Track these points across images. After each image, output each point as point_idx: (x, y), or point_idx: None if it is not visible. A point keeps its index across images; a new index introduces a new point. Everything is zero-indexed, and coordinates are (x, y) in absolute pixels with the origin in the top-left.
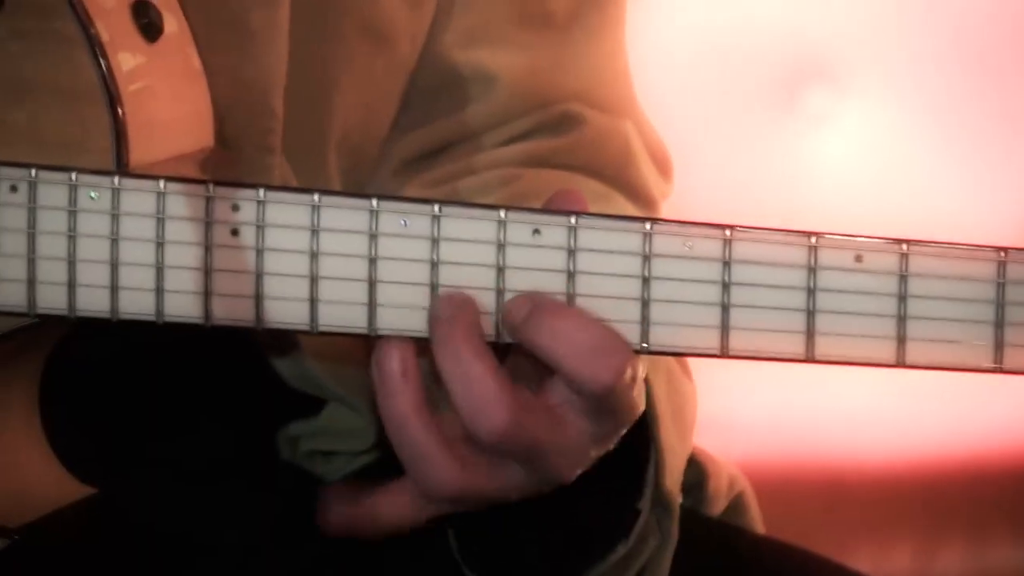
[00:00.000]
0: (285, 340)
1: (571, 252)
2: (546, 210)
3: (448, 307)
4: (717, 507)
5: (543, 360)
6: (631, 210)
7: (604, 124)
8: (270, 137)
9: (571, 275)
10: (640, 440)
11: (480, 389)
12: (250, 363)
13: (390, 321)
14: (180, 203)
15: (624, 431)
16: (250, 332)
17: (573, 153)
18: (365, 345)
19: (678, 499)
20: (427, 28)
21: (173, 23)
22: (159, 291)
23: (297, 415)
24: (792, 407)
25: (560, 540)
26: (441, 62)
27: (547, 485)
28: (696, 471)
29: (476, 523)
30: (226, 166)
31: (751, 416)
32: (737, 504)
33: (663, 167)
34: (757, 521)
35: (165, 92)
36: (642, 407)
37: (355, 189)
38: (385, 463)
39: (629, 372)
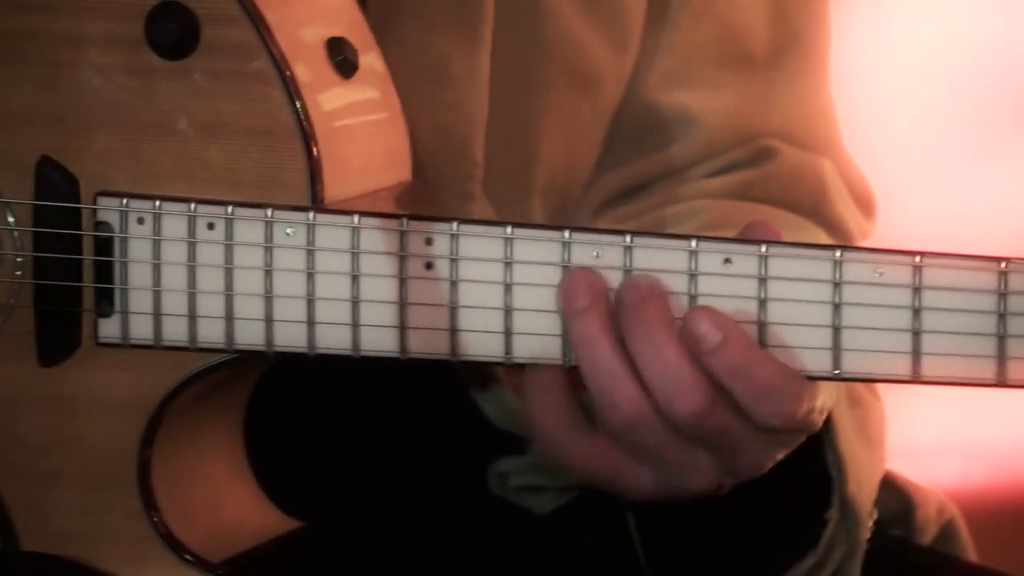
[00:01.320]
0: (484, 374)
1: (762, 280)
2: (737, 239)
3: (636, 293)
4: (927, 536)
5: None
6: (825, 240)
7: (799, 159)
8: (470, 184)
9: (762, 303)
10: (825, 451)
11: (676, 370)
12: (457, 398)
13: None
14: (375, 237)
15: (803, 437)
16: (452, 367)
17: (767, 185)
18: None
19: (868, 510)
20: (630, 70)
21: (370, 61)
22: (355, 325)
23: (506, 450)
24: (1002, 430)
25: (748, 549)
26: (644, 104)
27: (731, 477)
28: (902, 500)
29: (662, 529)
30: (422, 200)
31: (958, 442)
32: (947, 532)
33: (865, 206)
34: (969, 549)
35: (361, 129)
36: (820, 421)
37: None
38: (592, 497)
39: (805, 407)
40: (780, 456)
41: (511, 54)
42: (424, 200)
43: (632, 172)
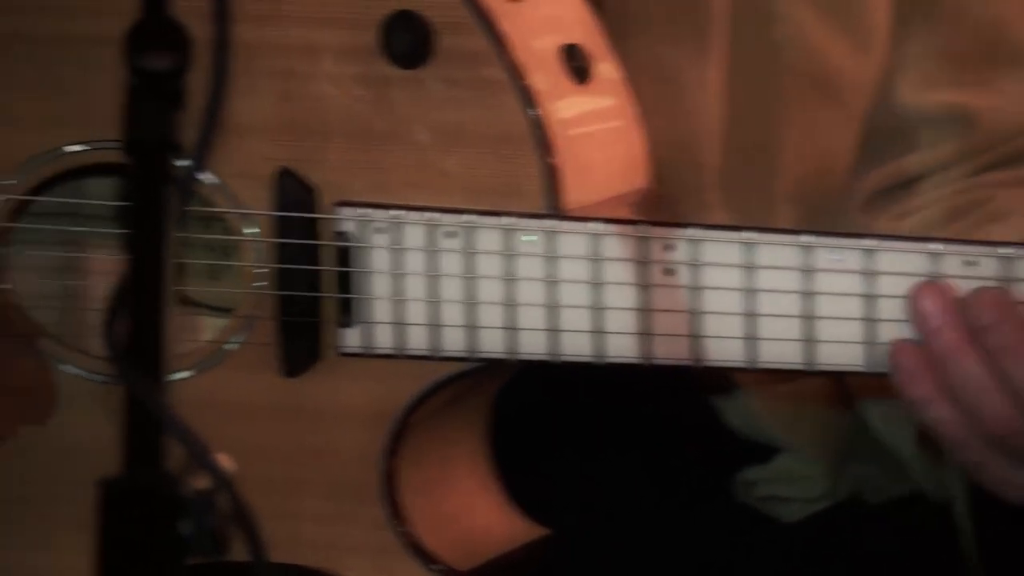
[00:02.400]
0: (726, 380)
1: (1006, 282)
2: (979, 241)
3: (993, 311)
4: None
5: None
6: None
7: None
8: (706, 193)
9: None
10: None
11: None
12: (700, 406)
13: (829, 356)
14: (614, 244)
15: None
16: (692, 375)
17: None
18: (824, 393)
19: None
20: (876, 76)
21: (605, 68)
22: (597, 332)
23: (751, 459)
24: None
25: None
26: (895, 108)
27: None
28: None
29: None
30: (659, 206)
31: None
32: None
33: None
34: None
35: (597, 136)
36: None
37: None
38: (838, 509)
39: None
40: None
41: (747, 62)
42: (661, 206)
43: (886, 175)
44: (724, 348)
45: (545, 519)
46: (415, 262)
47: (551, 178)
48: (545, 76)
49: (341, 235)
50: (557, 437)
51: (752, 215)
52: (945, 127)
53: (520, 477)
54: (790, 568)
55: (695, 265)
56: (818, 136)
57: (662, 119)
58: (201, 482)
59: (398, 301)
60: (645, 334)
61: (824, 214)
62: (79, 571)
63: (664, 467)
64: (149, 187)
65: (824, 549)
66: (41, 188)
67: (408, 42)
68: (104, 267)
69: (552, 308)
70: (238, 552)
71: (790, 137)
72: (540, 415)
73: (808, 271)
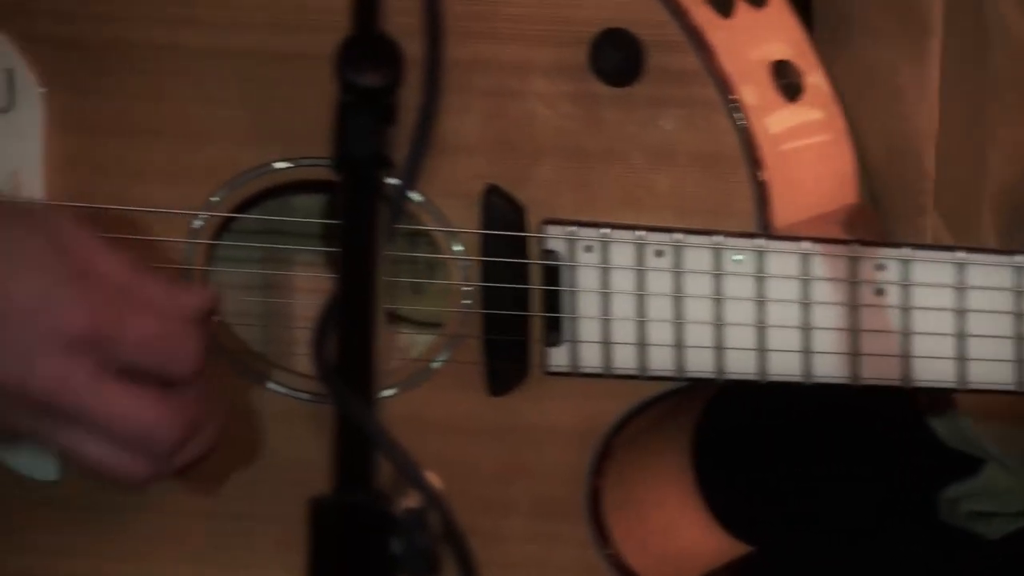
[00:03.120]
0: (940, 399)
1: None
2: None
3: None
4: None
5: None
6: None
7: None
8: (921, 197)
9: None
10: None
11: None
12: (906, 422)
13: None
14: (825, 264)
15: None
16: (906, 392)
17: None
18: None
19: None
20: None
21: (815, 82)
22: (806, 352)
23: (953, 476)
24: None
25: None
26: None
27: None
28: None
29: None
30: (869, 223)
31: None
32: None
33: None
34: None
35: (808, 152)
36: None
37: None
38: None
39: None
40: None
41: (959, 66)
42: (871, 223)
43: None
44: (934, 369)
45: (747, 535)
46: (623, 280)
47: (761, 196)
48: (755, 92)
49: (549, 253)
50: (764, 455)
51: (961, 222)
52: None
53: (722, 492)
54: None
55: (906, 285)
56: None
57: (880, 121)
58: (410, 501)
59: (606, 320)
60: (854, 354)
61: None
62: None
63: (869, 482)
64: (360, 204)
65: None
66: (245, 205)
67: (618, 60)
68: (307, 285)
69: (760, 327)
70: (448, 572)
71: (997, 141)
72: (742, 428)
73: (1022, 292)
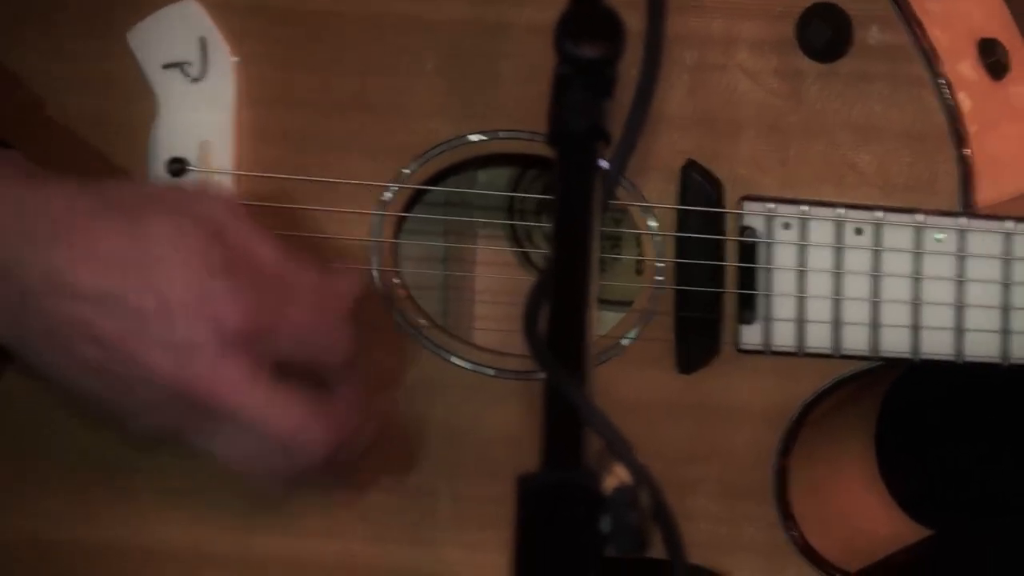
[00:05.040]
0: None
1: None
2: None
3: None
4: None
5: None
6: None
7: None
8: None
9: None
10: None
11: None
12: None
13: None
14: None
15: None
16: None
17: None
18: None
19: None
20: None
21: (1018, 59)
22: (1005, 332)
23: None
24: None
25: None
26: None
27: None
28: None
29: None
30: None
31: None
32: None
33: None
34: None
35: (1010, 130)
36: None
37: None
38: None
39: None
40: None
41: None
42: None
43: None
44: None
45: (927, 518)
46: (820, 258)
47: (965, 175)
48: (962, 69)
49: (746, 230)
50: (945, 436)
51: None
52: None
53: (902, 475)
54: None
55: None
56: None
57: None
58: (615, 477)
59: (801, 298)
60: None
61: None
62: (473, 566)
63: None
64: (576, 178)
65: None
66: (436, 178)
67: (826, 35)
68: (493, 259)
69: (959, 308)
70: (655, 550)
71: None
72: (921, 411)
73: None
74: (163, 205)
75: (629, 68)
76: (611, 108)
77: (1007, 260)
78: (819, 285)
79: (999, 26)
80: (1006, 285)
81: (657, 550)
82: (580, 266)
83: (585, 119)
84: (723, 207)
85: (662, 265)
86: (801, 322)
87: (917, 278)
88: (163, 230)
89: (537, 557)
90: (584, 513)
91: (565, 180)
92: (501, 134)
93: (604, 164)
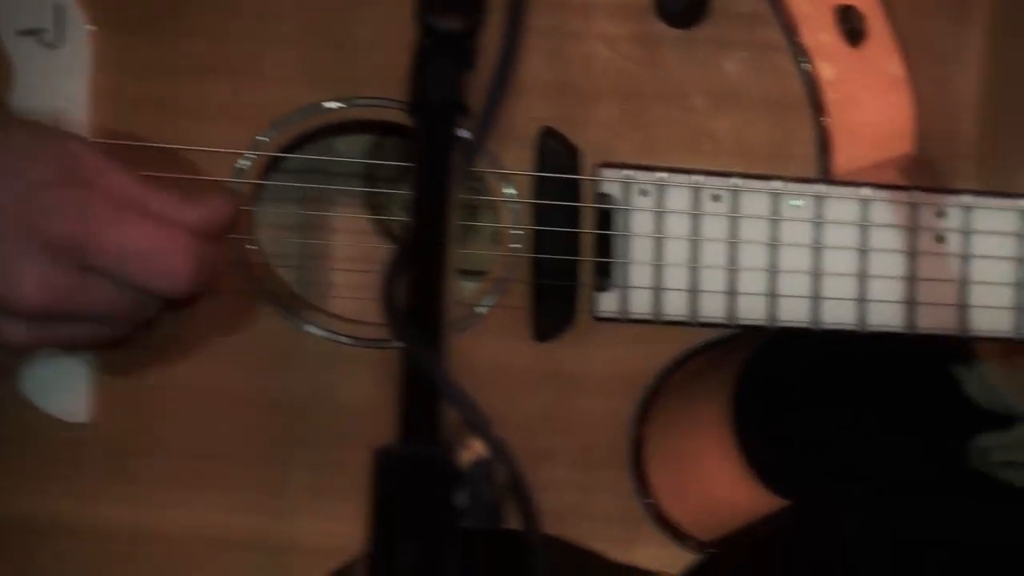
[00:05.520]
0: (966, 350)
1: None
2: None
3: None
4: None
5: None
6: None
7: None
8: (957, 161)
9: None
10: None
11: None
12: (938, 373)
13: None
14: (884, 210)
15: None
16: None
17: None
18: None
19: None
20: None
21: (878, 27)
22: (862, 300)
23: (984, 425)
24: None
25: None
26: None
27: None
28: None
29: None
30: (927, 173)
31: None
32: None
33: None
34: None
35: (867, 97)
36: None
37: None
38: None
39: None
40: None
41: (1011, 32)
42: (928, 173)
43: None
44: (992, 318)
45: (783, 488)
46: (678, 226)
47: (823, 141)
48: (819, 35)
49: (603, 197)
50: (800, 408)
51: (1000, 186)
52: None
53: (758, 445)
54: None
55: (967, 233)
56: None
57: (921, 87)
58: (471, 450)
59: (658, 266)
60: (911, 303)
61: None
62: (330, 536)
63: (900, 434)
64: (435, 149)
65: None
66: (293, 145)
67: (683, 1)
68: (351, 226)
69: (816, 275)
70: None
71: None
72: (778, 382)
73: None
74: (27, 127)
75: (492, 35)
76: (471, 79)
77: (863, 227)
78: (676, 252)
79: None
80: (862, 252)
81: (514, 522)
82: (438, 237)
83: (445, 91)
84: (580, 174)
85: (519, 233)
86: (658, 290)
87: (774, 245)
88: (15, 143)
89: (393, 531)
90: (440, 488)
91: (423, 151)
92: (358, 101)
93: (464, 134)
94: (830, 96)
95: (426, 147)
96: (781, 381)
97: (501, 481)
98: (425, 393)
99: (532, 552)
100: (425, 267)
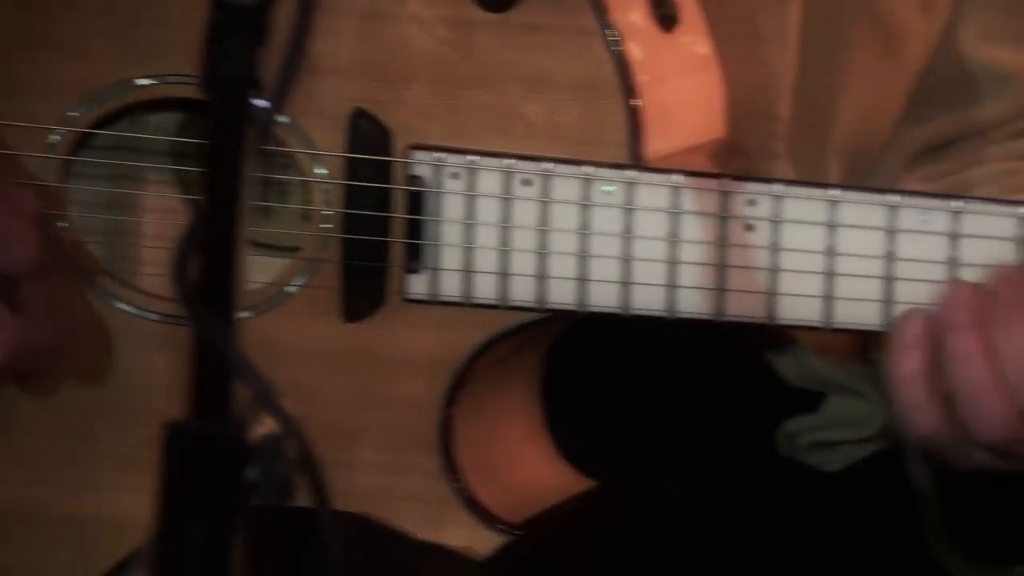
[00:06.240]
0: (782, 336)
1: None
2: None
3: (962, 313)
4: None
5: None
6: None
7: None
8: (773, 142)
9: None
10: None
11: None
12: (750, 361)
13: None
14: (694, 198)
15: None
16: (752, 330)
17: None
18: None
19: None
20: (937, 31)
21: (690, 13)
22: (672, 287)
23: (792, 412)
24: None
25: None
26: (955, 60)
27: None
28: None
29: (961, 492)
30: (738, 159)
31: None
32: None
33: None
34: None
35: (678, 82)
36: None
37: None
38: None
39: None
40: None
41: (819, 13)
42: (739, 158)
43: (938, 129)
44: (799, 307)
45: (592, 471)
46: (488, 209)
47: (634, 126)
48: (632, 21)
49: (414, 179)
50: (610, 392)
51: (809, 167)
52: (984, 87)
53: (571, 431)
54: (831, 516)
55: (777, 222)
56: (875, 89)
57: (736, 66)
58: (266, 426)
59: (468, 249)
60: (719, 290)
61: (861, 169)
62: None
63: (714, 423)
64: (227, 125)
65: (866, 497)
66: (104, 121)
67: None
68: (161, 204)
69: (626, 261)
70: (301, 498)
71: (850, 88)
72: (589, 369)
73: (893, 232)
74: None
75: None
76: (264, 55)
77: (674, 214)
78: (487, 236)
79: None
80: (672, 239)
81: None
82: (229, 213)
83: (237, 67)
84: (392, 156)
85: (330, 213)
86: (468, 273)
87: (585, 231)
88: None
89: (182, 506)
90: (229, 462)
91: (214, 128)
92: (170, 78)
93: (259, 109)
94: (642, 79)
95: (216, 124)
96: (591, 364)
97: (292, 456)
98: (216, 368)
99: (323, 528)
100: (216, 244)
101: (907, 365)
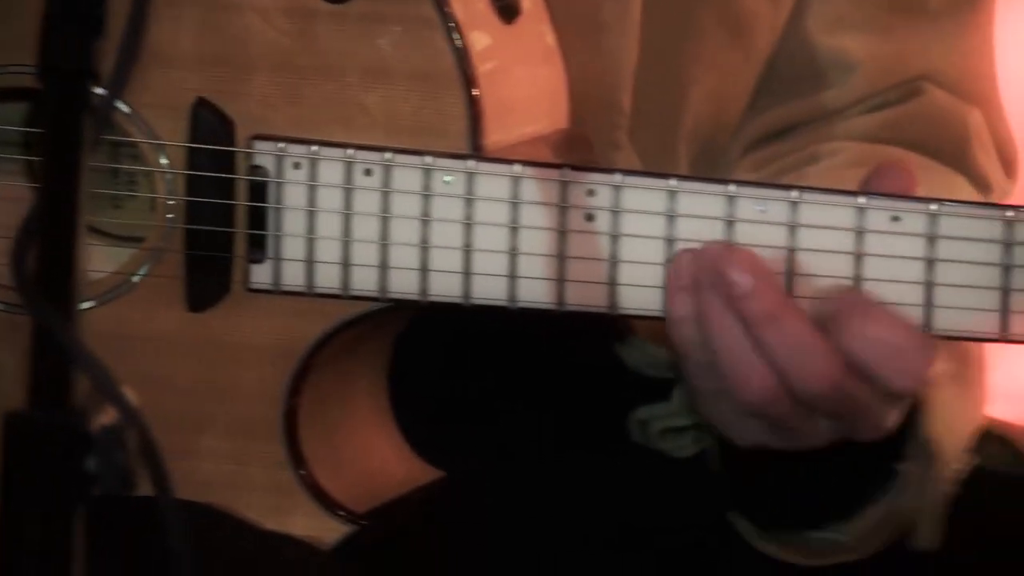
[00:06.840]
0: (623, 327)
1: (931, 239)
2: (906, 196)
3: (748, 279)
4: None
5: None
6: (976, 197)
7: (946, 103)
8: (616, 133)
9: (930, 263)
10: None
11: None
12: (598, 349)
13: None
14: (535, 188)
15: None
16: (598, 319)
17: (912, 124)
18: None
19: (957, 454)
20: (785, 19)
21: (532, 5)
22: (512, 277)
23: (646, 398)
24: None
25: (826, 487)
26: (802, 47)
27: (847, 437)
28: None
29: (747, 466)
30: (580, 149)
31: None
32: None
33: (1008, 165)
34: None
35: (520, 73)
36: None
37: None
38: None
39: (932, 366)
40: (896, 417)
41: (663, 0)
42: (582, 149)
43: (784, 115)
44: (640, 297)
45: (440, 461)
46: (331, 199)
47: (474, 117)
48: (472, 11)
49: (256, 169)
50: (457, 381)
51: (656, 155)
52: (832, 74)
53: (419, 421)
54: (682, 503)
55: (616, 212)
56: (723, 77)
57: (578, 56)
58: (107, 416)
59: (311, 239)
60: (560, 280)
61: (711, 156)
62: None
63: (562, 411)
64: (64, 115)
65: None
66: None
67: None
68: (7, 194)
69: (468, 251)
70: (143, 488)
71: (698, 77)
72: (441, 360)
73: (732, 222)
74: None
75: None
76: (103, 45)
77: (514, 204)
78: (329, 226)
79: None
80: (513, 229)
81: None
82: (68, 203)
83: (74, 58)
84: (234, 146)
85: (173, 203)
86: (311, 263)
87: (426, 220)
88: None
89: (21, 497)
90: (69, 452)
91: (50, 118)
92: (12, 68)
93: (97, 99)
94: (481, 69)
95: (53, 114)
96: (438, 353)
97: (133, 446)
98: (55, 358)
99: (165, 517)
100: (55, 233)
101: (676, 309)
